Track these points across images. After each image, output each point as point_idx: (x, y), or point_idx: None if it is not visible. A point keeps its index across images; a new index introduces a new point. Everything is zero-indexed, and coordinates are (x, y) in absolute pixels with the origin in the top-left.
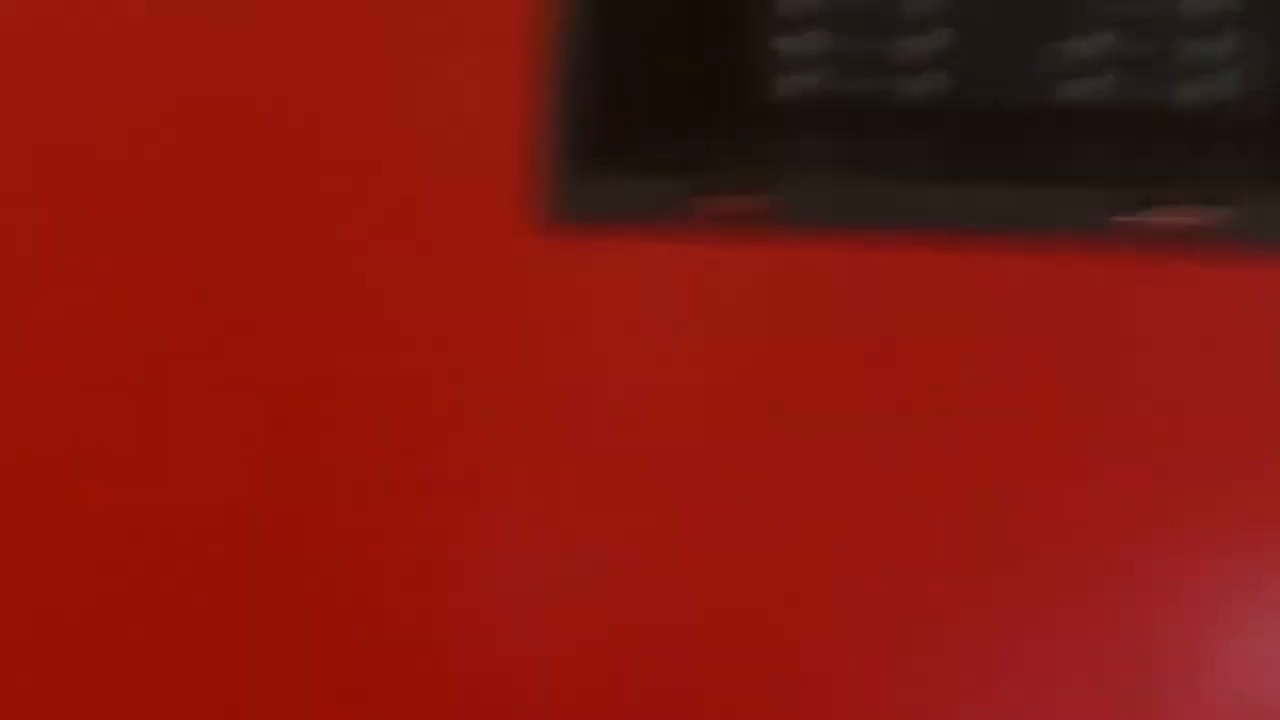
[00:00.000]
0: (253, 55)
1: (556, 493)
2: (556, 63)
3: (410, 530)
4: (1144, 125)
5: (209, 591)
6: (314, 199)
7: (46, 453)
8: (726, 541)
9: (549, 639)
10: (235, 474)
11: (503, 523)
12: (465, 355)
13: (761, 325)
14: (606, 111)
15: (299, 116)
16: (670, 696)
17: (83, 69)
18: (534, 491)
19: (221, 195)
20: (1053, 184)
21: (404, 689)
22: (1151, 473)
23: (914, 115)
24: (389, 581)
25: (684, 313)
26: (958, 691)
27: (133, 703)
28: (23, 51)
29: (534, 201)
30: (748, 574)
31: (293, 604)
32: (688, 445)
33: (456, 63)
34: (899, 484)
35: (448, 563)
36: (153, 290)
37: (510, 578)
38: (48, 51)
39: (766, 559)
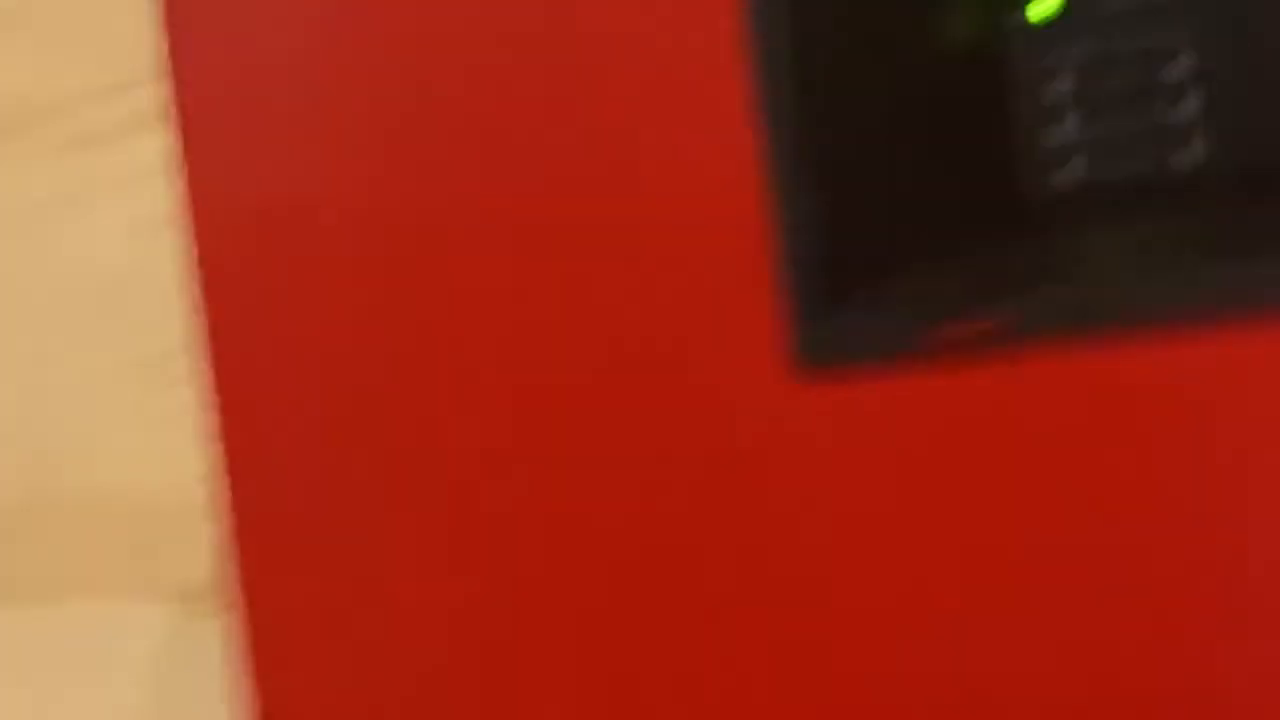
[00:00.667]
0: None
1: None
2: (786, 206)
3: None
4: None
5: None
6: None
7: None
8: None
9: None
10: None
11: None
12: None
13: (1014, 456)
14: (851, 239)
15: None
16: None
17: None
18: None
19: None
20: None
21: None
22: None
23: (1178, 191)
24: None
25: (924, 445)
26: None
27: None
28: None
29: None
30: None
31: None
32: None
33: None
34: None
35: None
36: None
37: None
38: None
39: None
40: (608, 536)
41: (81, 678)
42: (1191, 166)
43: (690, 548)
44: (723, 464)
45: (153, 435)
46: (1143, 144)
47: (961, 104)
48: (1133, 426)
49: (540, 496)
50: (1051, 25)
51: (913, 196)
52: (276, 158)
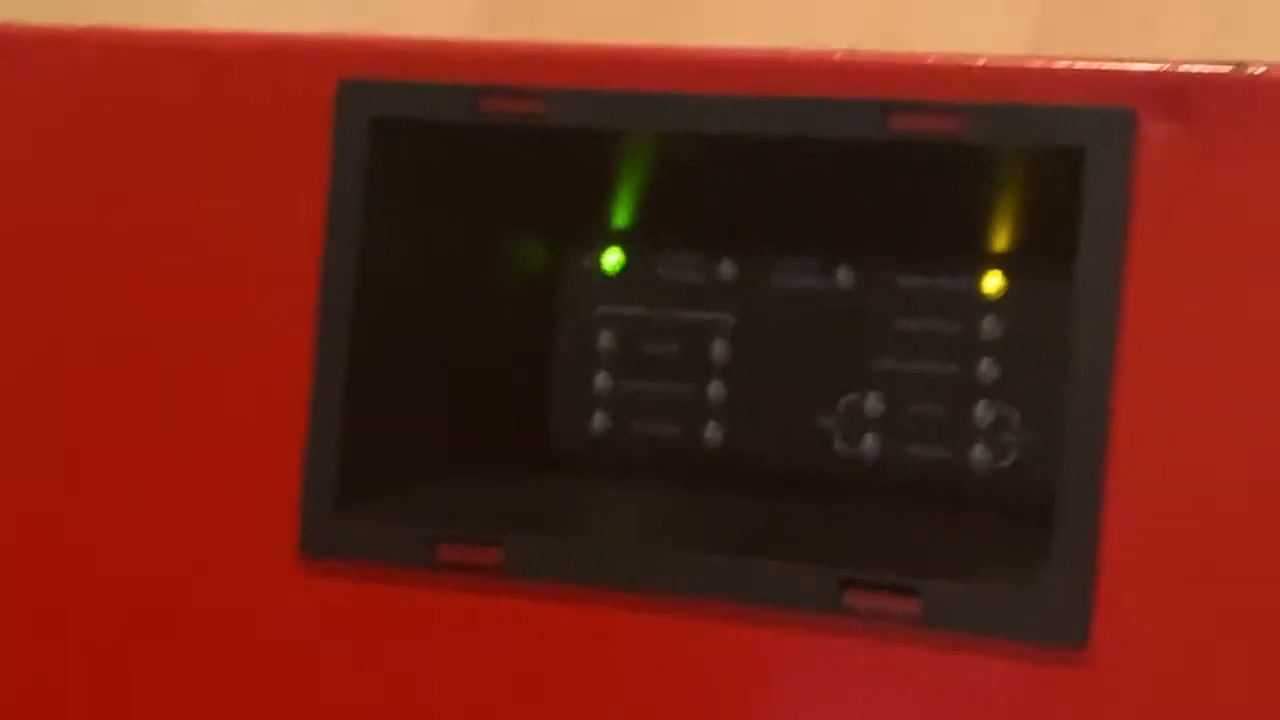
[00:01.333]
0: None
1: None
2: (318, 398)
3: None
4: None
5: None
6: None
7: None
8: None
9: None
10: None
11: None
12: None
13: (488, 675)
14: (370, 449)
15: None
16: None
17: None
18: None
19: None
20: (777, 556)
21: None
22: None
23: (681, 465)
24: None
25: (417, 651)
26: None
27: None
28: None
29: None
30: None
31: None
32: None
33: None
34: None
35: None
36: None
37: None
38: None
39: None
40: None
41: None
42: (710, 446)
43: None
44: (232, 641)
45: None
46: (668, 414)
47: (510, 341)
48: (592, 676)
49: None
50: (609, 279)
51: (444, 419)
52: None
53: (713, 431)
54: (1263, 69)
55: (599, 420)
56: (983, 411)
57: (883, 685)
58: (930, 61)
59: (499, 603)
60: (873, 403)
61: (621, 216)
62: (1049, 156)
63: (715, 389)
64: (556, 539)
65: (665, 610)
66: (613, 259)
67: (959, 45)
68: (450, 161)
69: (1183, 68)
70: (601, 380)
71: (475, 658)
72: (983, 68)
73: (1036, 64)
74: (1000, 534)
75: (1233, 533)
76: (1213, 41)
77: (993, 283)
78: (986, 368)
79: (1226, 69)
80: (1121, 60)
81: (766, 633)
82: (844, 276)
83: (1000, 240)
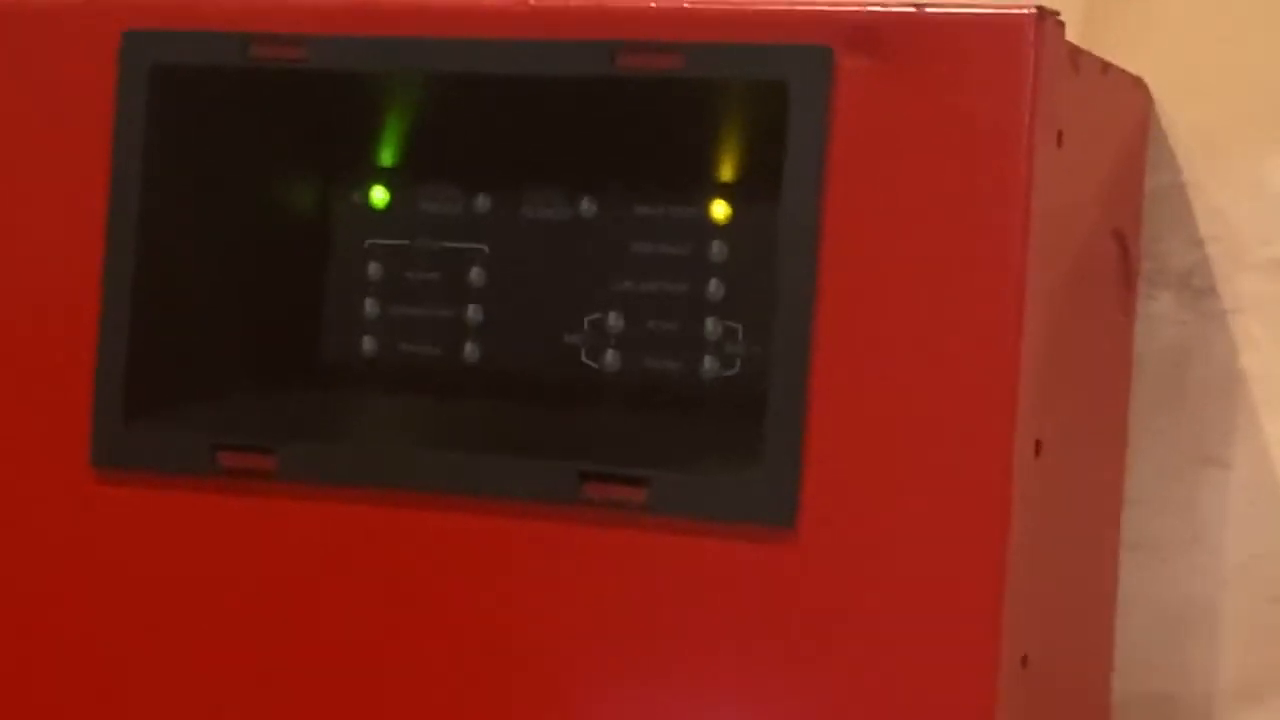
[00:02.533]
0: None
1: None
2: (106, 321)
3: None
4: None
5: None
6: None
7: None
8: None
9: None
10: None
11: None
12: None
13: (267, 572)
14: (155, 366)
15: None
16: None
17: None
18: None
19: None
20: (524, 455)
21: None
22: None
23: (443, 381)
24: None
25: (201, 554)
26: None
27: None
28: None
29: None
30: None
31: None
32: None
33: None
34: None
35: None
36: None
37: None
38: None
39: None
40: None
41: None
42: (469, 363)
43: None
44: (26, 549)
45: None
46: (431, 335)
47: (284, 267)
48: (367, 568)
49: None
50: (376, 214)
51: (222, 339)
52: None
53: (471, 350)
54: (937, 8)
55: (368, 342)
56: (711, 327)
57: (616, 568)
58: (653, 5)
59: (275, 504)
60: (614, 320)
61: (387, 156)
62: (759, 91)
63: (473, 311)
64: (326, 445)
65: (423, 506)
66: (379, 195)
67: None
68: (225, 104)
69: (871, 8)
70: (370, 305)
71: (254, 557)
72: (700, 10)
73: (748, 7)
74: (724, 434)
75: (918, 425)
76: None
77: (720, 210)
78: (714, 287)
79: (909, 9)
80: (821, 2)
81: (514, 523)
82: (586, 207)
83: (726, 171)
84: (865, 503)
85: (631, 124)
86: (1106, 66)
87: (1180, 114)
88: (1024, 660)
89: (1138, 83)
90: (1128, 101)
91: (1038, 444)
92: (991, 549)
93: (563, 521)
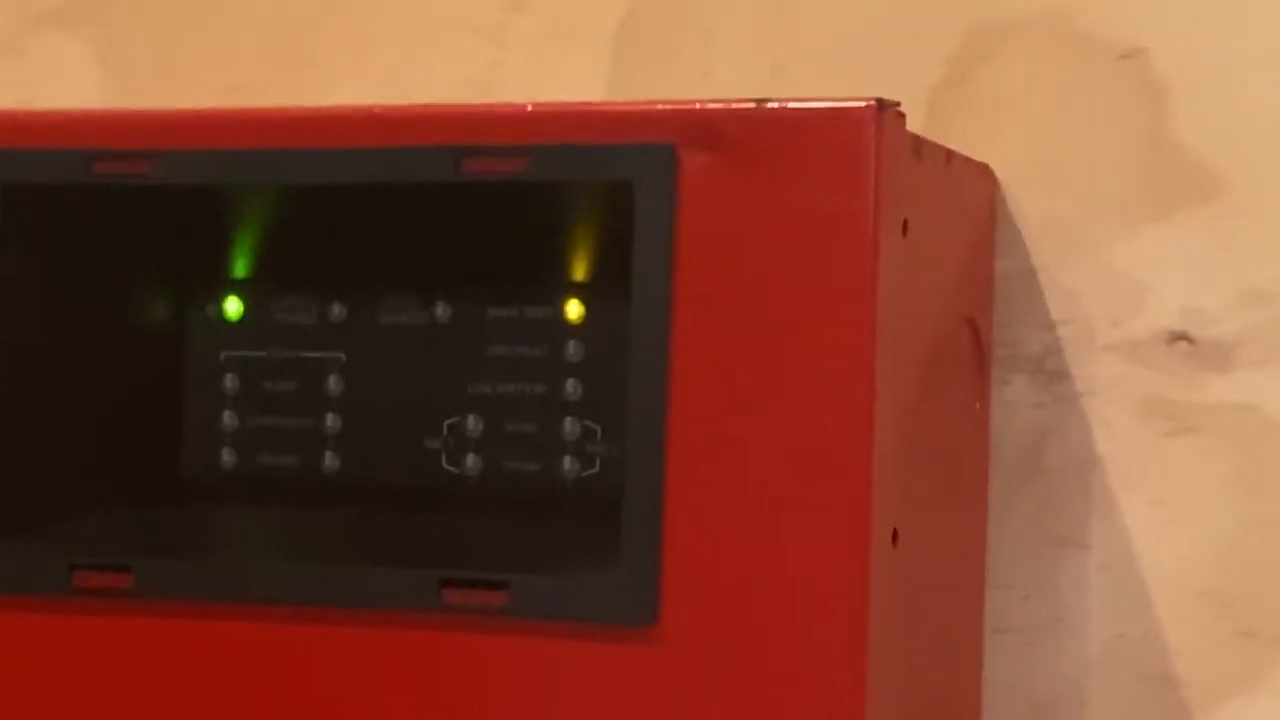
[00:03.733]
0: None
1: None
2: None
3: None
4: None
5: None
6: None
7: None
8: None
9: None
10: None
11: None
12: None
13: (126, 694)
14: (10, 485)
15: None
16: None
17: None
18: None
19: None
20: (385, 563)
21: None
22: None
23: (303, 491)
24: None
25: (58, 676)
26: None
27: None
28: None
29: None
30: None
31: None
32: None
33: None
34: None
35: None
36: None
37: None
38: None
39: None
40: None
41: None
42: (329, 473)
43: None
44: None
45: None
46: (289, 446)
47: (140, 382)
48: (228, 684)
49: None
50: (231, 325)
51: (79, 456)
52: None
53: (330, 459)
54: (777, 103)
55: (226, 455)
56: (570, 426)
57: (479, 671)
58: (499, 108)
59: (132, 623)
60: (473, 424)
61: (240, 267)
62: (606, 190)
63: (331, 420)
64: (183, 561)
65: (284, 619)
66: (233, 306)
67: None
68: (74, 221)
69: (712, 105)
70: (228, 418)
71: (111, 678)
72: (545, 111)
73: (591, 107)
74: (585, 533)
75: (775, 518)
76: (765, 87)
77: (574, 309)
78: (572, 387)
79: (750, 104)
80: (662, 101)
81: (376, 633)
82: (441, 311)
83: (579, 270)
84: (725, 597)
85: (481, 227)
86: (950, 155)
87: (1028, 199)
88: None
89: (983, 170)
90: (974, 188)
91: (895, 533)
92: (851, 640)
93: (425, 629)
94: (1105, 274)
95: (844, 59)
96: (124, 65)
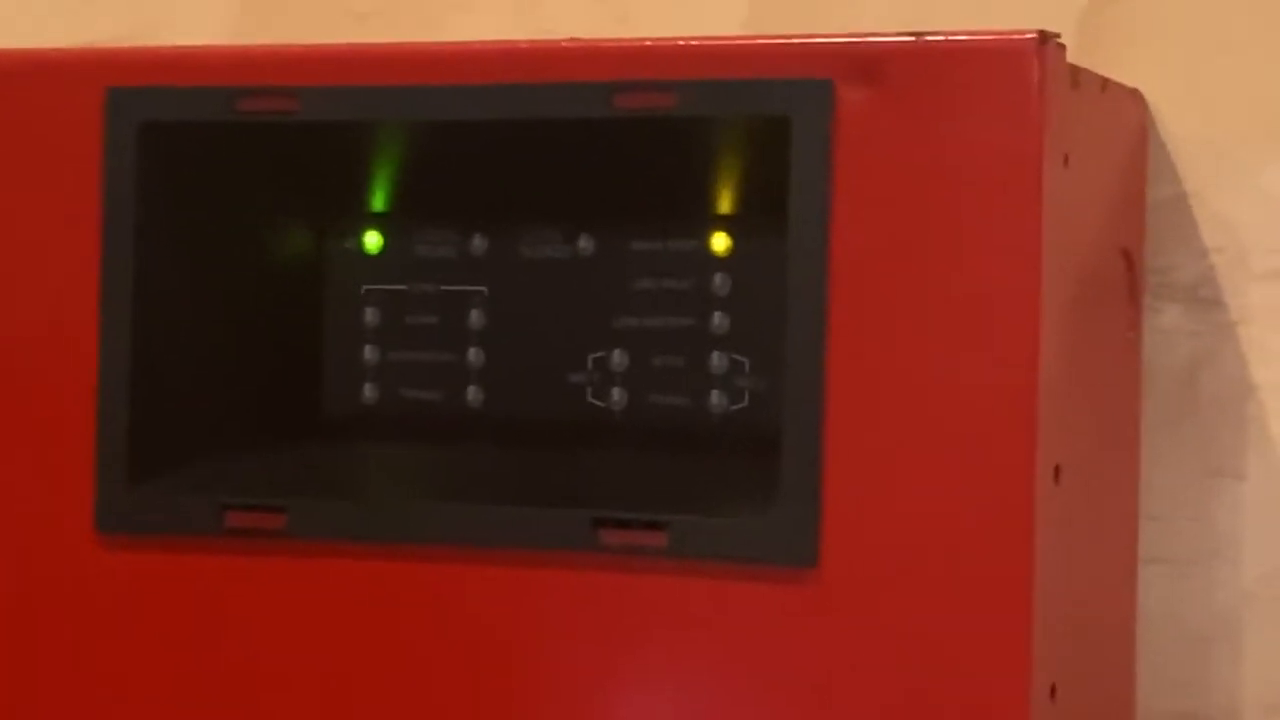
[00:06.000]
0: None
1: None
2: (105, 383)
3: None
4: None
5: None
6: None
7: None
8: None
9: None
10: None
11: None
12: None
13: (280, 633)
14: (157, 427)
15: None
16: None
17: None
18: None
19: None
20: (537, 503)
21: None
22: None
23: (447, 426)
24: None
25: (212, 615)
26: None
27: None
28: None
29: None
30: None
31: None
32: None
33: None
34: None
35: None
36: None
37: None
38: None
39: None
40: None
41: None
42: (472, 407)
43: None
44: (33, 618)
45: None
46: (432, 380)
47: (280, 318)
48: (381, 624)
49: None
50: (371, 259)
51: (222, 394)
52: None
53: (474, 394)
54: (939, 36)
55: (369, 390)
56: (717, 361)
57: (637, 613)
58: (649, 44)
59: (285, 563)
60: (618, 358)
61: (379, 201)
62: (759, 125)
63: (474, 355)
64: (335, 501)
65: (436, 559)
66: (373, 240)
67: (680, 29)
68: (215, 158)
69: (870, 39)
70: (369, 353)
71: (266, 617)
72: (695, 47)
73: (743, 42)
74: (737, 470)
75: (937, 456)
76: (910, 14)
77: (720, 242)
78: (719, 321)
79: (909, 38)
80: (818, 35)
81: (530, 573)
82: (585, 244)
83: (726, 203)
84: (886, 537)
85: (628, 161)
86: (1105, 83)
87: (1179, 124)
88: (1052, 690)
89: (1135, 95)
90: (1127, 115)
91: (1057, 469)
92: (1018, 580)
93: (581, 569)
94: (1260, 198)
95: None
96: None
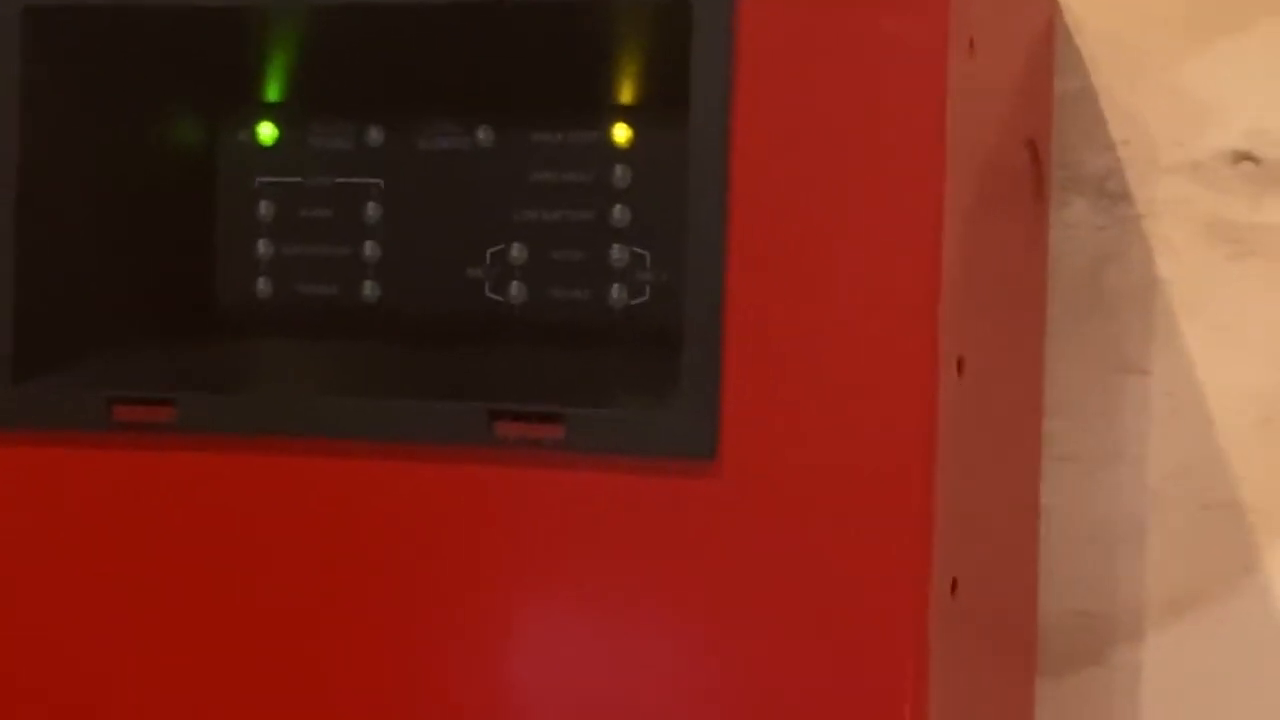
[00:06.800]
0: None
1: None
2: None
3: None
4: (548, 332)
5: None
6: None
7: None
8: None
9: None
10: None
11: None
12: None
13: (168, 526)
14: (43, 322)
15: None
16: None
17: None
18: None
19: None
20: (432, 396)
21: None
22: None
23: (343, 321)
24: None
25: (102, 511)
26: None
27: None
28: None
29: None
30: None
31: None
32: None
33: None
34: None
35: None
36: None
37: None
38: None
39: None
40: None
41: None
42: (368, 302)
43: None
44: None
45: None
46: (328, 274)
47: (172, 211)
48: (274, 519)
49: None
50: (265, 151)
51: (112, 289)
52: None
53: (370, 289)
54: None
55: (262, 284)
56: (617, 254)
57: (534, 506)
58: None
59: (174, 457)
60: (517, 251)
61: (273, 91)
62: (660, 12)
63: (370, 249)
64: (225, 395)
65: (329, 454)
66: (267, 131)
67: None
68: (102, 44)
69: None
70: (263, 246)
71: (156, 512)
72: None
73: None
74: (637, 364)
75: (838, 349)
76: None
77: (621, 133)
78: (619, 213)
79: None
80: None
81: (425, 467)
82: (483, 136)
83: (626, 94)
84: (787, 430)
85: (527, 49)
86: None
87: (1089, 17)
88: (953, 585)
89: None
90: (1035, 5)
91: (960, 361)
92: (919, 474)
93: (477, 462)
94: (1169, 93)
95: None
96: None
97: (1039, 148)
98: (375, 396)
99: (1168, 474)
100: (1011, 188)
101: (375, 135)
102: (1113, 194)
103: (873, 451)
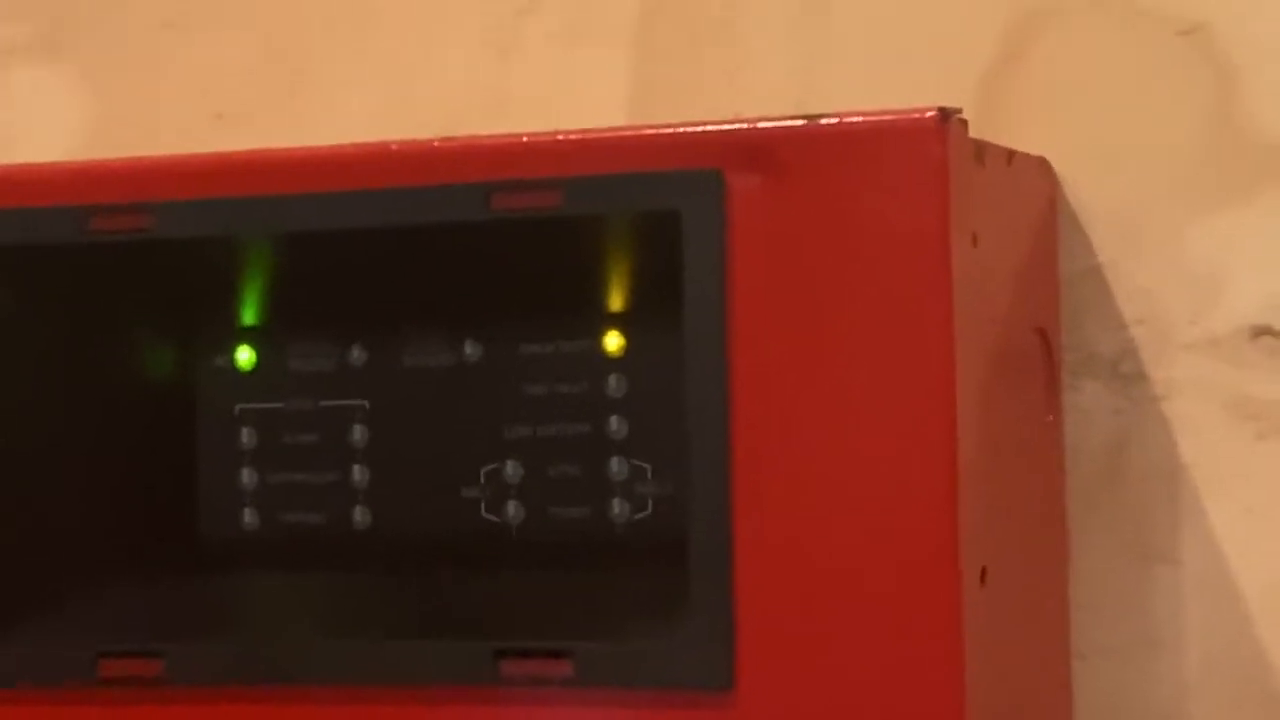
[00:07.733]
0: None
1: None
2: None
3: None
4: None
5: None
6: None
7: None
8: None
9: None
10: None
11: None
12: None
13: None
14: (21, 566)
15: None
16: None
17: None
18: None
19: None
20: (433, 633)
21: None
22: None
23: (333, 551)
24: None
25: None
26: None
27: None
28: None
29: None
30: None
31: None
32: None
33: None
34: None
35: None
36: None
37: None
38: None
39: None
40: None
41: None
42: (360, 529)
43: None
44: None
45: None
46: (315, 502)
47: (151, 443)
48: None
49: None
50: (244, 376)
51: (92, 527)
52: None
53: (361, 515)
54: (834, 119)
55: (248, 515)
56: (616, 467)
57: None
58: (526, 140)
59: (163, 712)
60: (511, 469)
61: (249, 315)
62: (648, 220)
63: (359, 473)
64: (215, 643)
65: (328, 700)
66: (245, 356)
67: (558, 121)
68: (71, 279)
69: (761, 124)
70: (247, 475)
71: None
72: (576, 141)
73: (627, 133)
74: (643, 584)
75: (856, 563)
76: (798, 89)
77: (613, 342)
78: (616, 425)
79: (801, 121)
80: (706, 123)
81: (430, 711)
82: (470, 350)
83: (617, 301)
84: (806, 654)
85: (512, 262)
86: (1011, 155)
87: (1091, 192)
88: None
89: (1042, 164)
90: (1035, 188)
91: (983, 570)
92: (948, 691)
93: (483, 703)
94: (1178, 267)
95: (884, 46)
96: (105, 95)
97: (1049, 334)
98: (372, 634)
99: (1205, 667)
100: (1024, 380)
101: (358, 354)
102: (1128, 375)
103: (896, 672)
